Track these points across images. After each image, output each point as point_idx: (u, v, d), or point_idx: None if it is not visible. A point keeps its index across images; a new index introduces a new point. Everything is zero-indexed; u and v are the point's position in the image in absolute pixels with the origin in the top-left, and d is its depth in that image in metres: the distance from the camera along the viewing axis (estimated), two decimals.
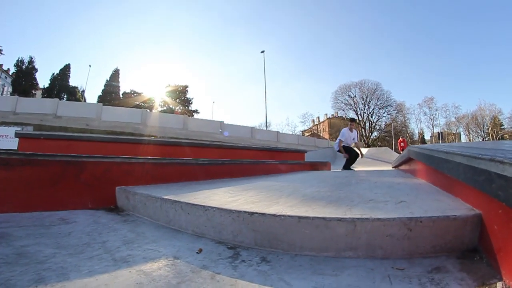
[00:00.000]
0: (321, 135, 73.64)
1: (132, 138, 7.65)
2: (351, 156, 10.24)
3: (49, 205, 2.95)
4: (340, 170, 9.64)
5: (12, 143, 25.37)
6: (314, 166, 8.75)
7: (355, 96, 69.61)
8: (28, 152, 3.25)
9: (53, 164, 3.11)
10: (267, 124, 50.12)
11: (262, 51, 44.90)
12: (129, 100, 59.91)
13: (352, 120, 10.94)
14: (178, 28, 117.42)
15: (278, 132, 46.12)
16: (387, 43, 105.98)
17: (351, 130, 10.41)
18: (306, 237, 1.68)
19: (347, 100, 70.15)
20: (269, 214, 1.81)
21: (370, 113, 69.01)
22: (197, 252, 1.82)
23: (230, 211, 1.98)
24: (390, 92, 70.39)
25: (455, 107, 69.10)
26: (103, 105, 34.48)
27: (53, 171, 3.08)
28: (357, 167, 12.37)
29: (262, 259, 1.66)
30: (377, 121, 69.51)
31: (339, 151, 10.41)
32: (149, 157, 4.20)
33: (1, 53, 57.89)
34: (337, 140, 10.54)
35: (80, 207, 3.08)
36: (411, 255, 1.54)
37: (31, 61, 60.68)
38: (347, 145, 10.30)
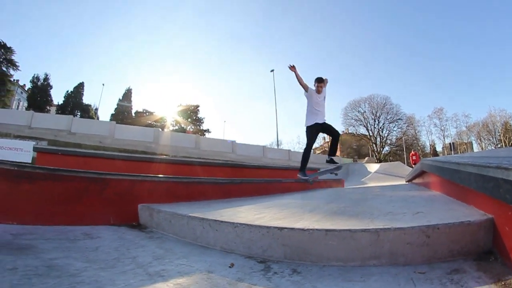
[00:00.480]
0: None
1: (149, 157, 7.79)
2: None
3: (71, 220, 3.03)
4: (353, 187, 8.57)
5: (27, 156, 25.53)
6: (328, 183, 8.61)
7: (364, 112, 68.08)
8: (52, 167, 3.37)
9: (77, 180, 3.22)
10: (278, 143, 50.03)
11: (272, 70, 45.14)
12: (141, 119, 60.53)
13: (320, 80, 6.80)
14: (189, 48, 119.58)
15: (289, 150, 45.88)
16: (393, 54, 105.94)
17: (318, 92, 6.71)
18: (333, 249, 1.78)
19: (357, 116, 68.64)
20: (297, 229, 1.92)
21: (380, 128, 67.61)
22: (230, 266, 1.89)
23: (260, 227, 2.08)
24: (400, 105, 68.69)
25: (465, 116, 67.13)
26: (116, 123, 35.02)
27: (77, 186, 3.19)
28: (370, 183, 12.21)
29: (293, 271, 1.75)
30: (388, 135, 68.00)
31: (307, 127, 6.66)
32: (171, 176, 4.33)
33: (18, 69, 59.04)
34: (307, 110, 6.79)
35: (102, 223, 3.15)
36: (430, 260, 1.64)
37: (46, 78, 62.65)
38: (315, 122, 6.53)
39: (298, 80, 6.77)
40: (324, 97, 6.91)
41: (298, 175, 6.44)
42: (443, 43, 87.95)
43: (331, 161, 6.85)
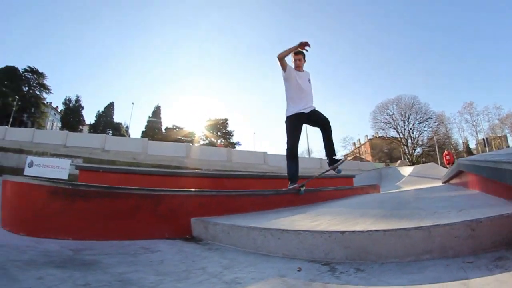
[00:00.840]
0: (364, 157, 72.02)
1: (189, 172, 7.92)
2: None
3: (126, 235, 3.15)
4: (385, 192, 8.32)
5: (63, 173, 27.40)
6: (365, 189, 8.50)
7: (393, 114, 67.13)
8: (106, 185, 3.58)
9: (131, 197, 3.34)
10: (309, 152, 49.94)
11: None
12: (172, 135, 62.33)
13: (297, 52, 5.32)
14: (215, 63, 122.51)
15: (321, 158, 45.52)
16: (415, 51, 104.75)
17: (298, 67, 5.37)
18: (390, 247, 2.00)
19: (386, 119, 67.68)
20: (358, 231, 2.13)
21: (410, 129, 66.25)
22: (298, 270, 2.02)
23: (322, 232, 2.27)
24: (428, 104, 67.01)
25: (496, 108, 65.11)
26: (148, 139, 36.18)
27: (131, 203, 3.31)
28: (405, 186, 12.02)
29: (357, 269, 1.93)
30: (418, 136, 66.56)
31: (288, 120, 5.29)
32: (221, 190, 4.54)
33: (50, 92, 65.50)
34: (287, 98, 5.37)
35: (157, 237, 3.25)
36: (476, 251, 1.84)
37: (77, 100, 68.40)
38: (299, 110, 5.22)
39: (285, 55, 5.16)
40: (309, 80, 5.51)
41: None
42: (464, 36, 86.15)
43: (333, 162, 5.36)
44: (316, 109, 5.38)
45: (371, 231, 2.09)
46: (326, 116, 5.34)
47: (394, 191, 9.21)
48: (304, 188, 5.28)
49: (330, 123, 5.32)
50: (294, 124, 5.19)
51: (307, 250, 2.31)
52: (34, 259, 2.23)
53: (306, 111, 5.21)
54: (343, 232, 2.18)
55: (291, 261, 2.27)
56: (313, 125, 5.39)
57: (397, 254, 1.98)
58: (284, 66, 5.15)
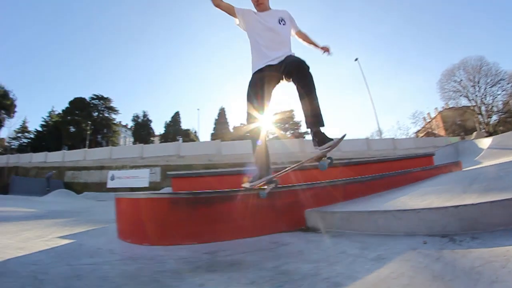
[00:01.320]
0: (436, 132, 68.55)
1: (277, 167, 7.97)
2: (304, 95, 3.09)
3: (248, 233, 3.35)
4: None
5: (144, 182, 30.24)
6: (448, 167, 8.24)
7: (461, 80, 61.32)
8: (226, 190, 3.82)
9: (251, 197, 3.52)
10: (380, 132, 48.67)
11: (356, 59, 44.45)
12: (239, 133, 63.33)
13: None
14: None
15: (393, 138, 44.48)
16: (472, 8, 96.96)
17: (261, 6, 3.63)
18: (497, 216, 2.26)
19: (454, 87, 62.05)
20: (469, 205, 2.42)
21: (482, 94, 60.23)
22: (424, 243, 2.26)
23: (439, 208, 2.54)
24: (498, 63, 60.13)
25: None
26: (220, 141, 38.07)
27: (251, 202, 3.50)
28: (485, 161, 11.54)
29: (472, 237, 2.19)
30: (492, 102, 60.36)
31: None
32: (329, 180, 4.71)
33: (118, 113, 73.86)
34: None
35: (275, 231, 3.42)
36: None
37: (145, 115, 75.02)
38: (266, 62, 3.43)
39: None
40: (282, 19, 3.62)
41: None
42: None
43: (323, 139, 3.04)
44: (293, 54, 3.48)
45: (480, 203, 2.38)
46: (305, 62, 3.21)
47: (477, 167, 8.78)
48: (273, 185, 3.63)
49: (310, 69, 3.19)
50: (256, 84, 3.52)
51: (426, 226, 2.54)
52: (179, 267, 2.33)
53: (275, 62, 3.42)
54: (457, 207, 2.46)
55: (413, 237, 2.48)
56: (287, 79, 3.37)
57: (503, 222, 2.25)
58: (228, 9, 3.60)
